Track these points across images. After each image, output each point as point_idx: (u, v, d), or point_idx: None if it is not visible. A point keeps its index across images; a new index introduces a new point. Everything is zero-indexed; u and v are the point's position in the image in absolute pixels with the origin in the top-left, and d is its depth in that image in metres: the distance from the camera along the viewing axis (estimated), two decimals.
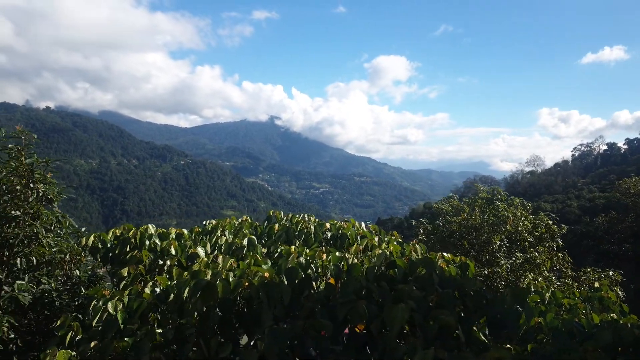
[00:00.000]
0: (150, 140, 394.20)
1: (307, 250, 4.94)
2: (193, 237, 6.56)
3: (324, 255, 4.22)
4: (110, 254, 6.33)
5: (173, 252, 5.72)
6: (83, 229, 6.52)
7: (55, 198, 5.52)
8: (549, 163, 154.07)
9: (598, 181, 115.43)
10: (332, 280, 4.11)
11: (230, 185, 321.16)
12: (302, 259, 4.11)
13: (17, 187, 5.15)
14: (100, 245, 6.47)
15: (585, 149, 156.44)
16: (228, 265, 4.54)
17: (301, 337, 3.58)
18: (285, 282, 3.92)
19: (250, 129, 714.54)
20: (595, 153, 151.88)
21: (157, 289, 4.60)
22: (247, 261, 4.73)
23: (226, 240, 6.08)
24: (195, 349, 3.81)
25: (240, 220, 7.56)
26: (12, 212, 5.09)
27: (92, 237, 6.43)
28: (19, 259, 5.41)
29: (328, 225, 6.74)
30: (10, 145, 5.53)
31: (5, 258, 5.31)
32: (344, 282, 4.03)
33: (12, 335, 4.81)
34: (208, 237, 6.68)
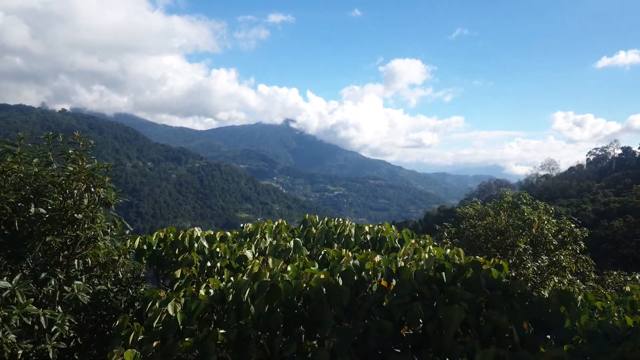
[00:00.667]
0: (165, 142, 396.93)
1: (351, 254, 5.14)
2: (236, 240, 6.78)
3: (376, 258, 4.41)
4: (156, 256, 6.58)
5: (222, 254, 5.94)
6: (127, 232, 6.76)
7: (113, 202, 5.78)
8: (563, 167, 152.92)
9: (613, 185, 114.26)
10: (384, 283, 4.29)
11: (244, 188, 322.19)
12: (356, 262, 4.30)
13: (75, 191, 5.41)
14: (145, 247, 6.72)
15: (600, 153, 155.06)
16: (279, 267, 4.74)
17: (364, 336, 3.78)
18: (341, 284, 4.12)
19: (265, 131, 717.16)
20: (610, 157, 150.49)
21: (210, 291, 4.82)
22: (296, 263, 4.93)
23: (270, 243, 6.30)
24: (255, 349, 4.02)
25: (276, 223, 7.77)
26: (75, 214, 5.35)
27: (137, 240, 6.68)
28: (76, 260, 5.68)
29: (367, 228, 6.93)
30: (70, 151, 5.80)
31: (63, 260, 5.58)
32: (396, 285, 4.21)
33: (72, 334, 5.06)
34: (249, 239, 6.89)
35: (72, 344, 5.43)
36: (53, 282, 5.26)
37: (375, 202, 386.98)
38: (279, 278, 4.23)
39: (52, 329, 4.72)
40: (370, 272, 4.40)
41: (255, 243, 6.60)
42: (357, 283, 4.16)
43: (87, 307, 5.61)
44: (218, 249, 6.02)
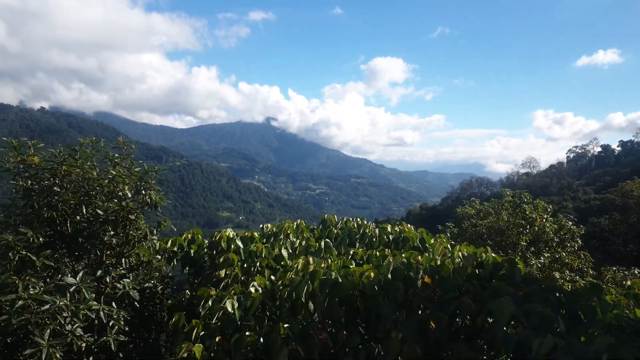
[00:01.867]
0: (146, 141, 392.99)
1: (390, 252, 5.44)
2: (264, 241, 7.01)
3: (419, 257, 4.70)
4: (189, 258, 6.81)
5: (260, 254, 6.18)
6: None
7: (160, 203, 6.00)
8: (543, 165, 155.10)
9: (593, 183, 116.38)
10: (427, 280, 4.58)
11: (226, 187, 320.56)
12: (404, 260, 4.58)
13: (128, 193, 5.63)
14: (175, 249, 6.94)
15: (580, 151, 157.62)
16: (323, 266, 5.01)
17: (423, 328, 4.07)
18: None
19: (246, 130, 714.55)
20: (589, 155, 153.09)
21: (259, 289, 5.07)
22: (335, 262, 5.20)
23: (300, 243, 6.56)
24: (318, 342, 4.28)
25: (295, 224, 7.99)
26: (130, 216, 5.58)
27: (170, 241, 6.90)
28: (124, 259, 5.89)
29: (389, 228, 7.22)
30: (116, 155, 6.00)
31: (112, 258, 5.78)
32: (440, 281, 4.52)
33: (127, 329, 5.26)
34: (273, 239, 7.13)
35: (127, 338, 5.65)
36: (108, 279, 5.48)
37: (357, 200, 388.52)
38: (332, 276, 4.50)
39: (111, 323, 4.96)
40: (414, 270, 4.68)
41: (281, 243, 6.83)
42: (406, 280, 4.45)
43: (136, 303, 5.85)
44: (258, 250, 6.24)
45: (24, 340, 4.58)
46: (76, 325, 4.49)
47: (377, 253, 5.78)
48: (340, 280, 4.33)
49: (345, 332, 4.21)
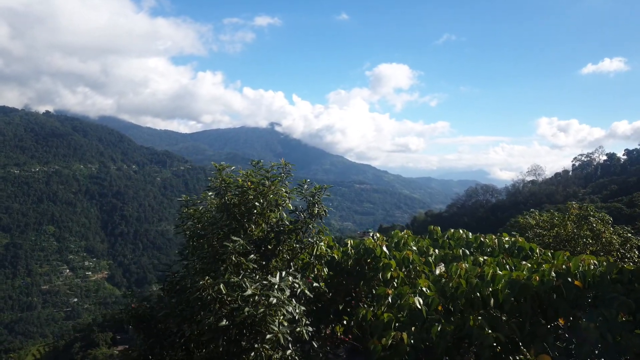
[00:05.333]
0: (150, 145, 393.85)
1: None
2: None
3: (570, 264, 5.62)
4: (331, 262, 7.74)
5: (412, 260, 7.12)
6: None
7: (325, 215, 6.98)
8: (548, 172, 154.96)
9: (599, 191, 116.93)
10: (577, 283, 5.50)
11: None
12: (564, 266, 5.52)
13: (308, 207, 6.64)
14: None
15: (586, 159, 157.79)
16: (477, 270, 5.96)
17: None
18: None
19: (250, 135, 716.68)
20: (595, 163, 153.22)
21: (424, 289, 6.01)
22: (488, 267, 6.12)
23: (435, 251, 7.51)
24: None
25: (402, 233, 8.89)
26: (310, 225, 6.57)
27: (322, 247, 7.76)
28: (292, 262, 6.85)
29: (506, 238, 8.15)
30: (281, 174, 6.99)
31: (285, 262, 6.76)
32: (591, 284, 5.44)
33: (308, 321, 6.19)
34: (402, 246, 8.03)
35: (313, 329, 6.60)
36: (291, 279, 6.43)
37: (361, 206, 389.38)
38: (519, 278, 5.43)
39: (297, 317, 5.91)
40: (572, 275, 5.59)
41: (408, 249, 7.73)
42: (565, 283, 5.38)
43: (308, 299, 6.81)
44: (409, 256, 7.16)
45: (255, 329, 5.51)
46: (285, 317, 5.42)
47: (505, 260, 6.74)
48: (524, 282, 5.27)
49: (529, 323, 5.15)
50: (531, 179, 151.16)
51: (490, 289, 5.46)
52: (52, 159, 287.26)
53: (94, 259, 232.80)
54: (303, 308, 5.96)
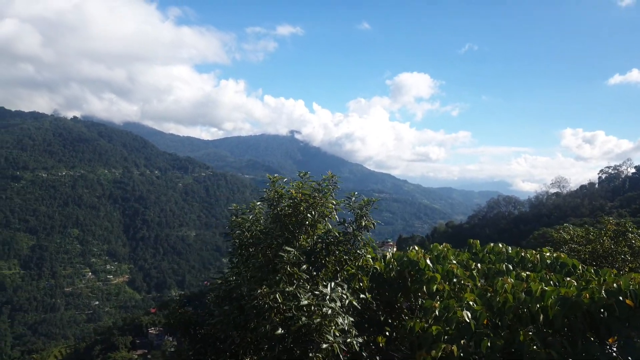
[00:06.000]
0: (172, 151, 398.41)
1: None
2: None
3: (620, 281, 5.67)
4: (374, 274, 7.90)
5: (457, 274, 7.25)
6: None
7: (373, 228, 7.19)
8: (572, 185, 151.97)
9: (627, 205, 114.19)
10: (629, 302, 5.53)
11: (249, 199, 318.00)
12: (614, 285, 5.58)
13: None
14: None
15: (613, 172, 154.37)
16: (523, 285, 6.05)
17: None
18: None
19: (270, 142, 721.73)
20: (623, 176, 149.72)
21: (470, 302, 6.12)
22: (533, 283, 6.20)
23: (476, 265, 7.61)
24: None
25: (441, 246, 8.99)
26: (358, 238, 6.77)
27: (369, 259, 7.92)
28: (339, 273, 7.05)
29: (547, 254, 8.21)
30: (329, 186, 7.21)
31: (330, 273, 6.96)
32: None
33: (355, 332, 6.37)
34: (437, 260, 8.15)
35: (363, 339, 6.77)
36: (340, 290, 6.62)
37: (380, 215, 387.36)
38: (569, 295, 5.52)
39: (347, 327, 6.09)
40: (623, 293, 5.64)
41: (448, 263, 7.84)
42: (618, 301, 5.45)
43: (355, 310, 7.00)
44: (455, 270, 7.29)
45: (308, 338, 5.71)
46: (338, 327, 5.61)
47: (548, 276, 6.82)
48: (574, 299, 5.36)
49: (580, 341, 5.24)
50: (555, 191, 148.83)
51: (539, 305, 5.55)
52: (78, 164, 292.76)
53: (115, 263, 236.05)
54: (351, 319, 6.13)
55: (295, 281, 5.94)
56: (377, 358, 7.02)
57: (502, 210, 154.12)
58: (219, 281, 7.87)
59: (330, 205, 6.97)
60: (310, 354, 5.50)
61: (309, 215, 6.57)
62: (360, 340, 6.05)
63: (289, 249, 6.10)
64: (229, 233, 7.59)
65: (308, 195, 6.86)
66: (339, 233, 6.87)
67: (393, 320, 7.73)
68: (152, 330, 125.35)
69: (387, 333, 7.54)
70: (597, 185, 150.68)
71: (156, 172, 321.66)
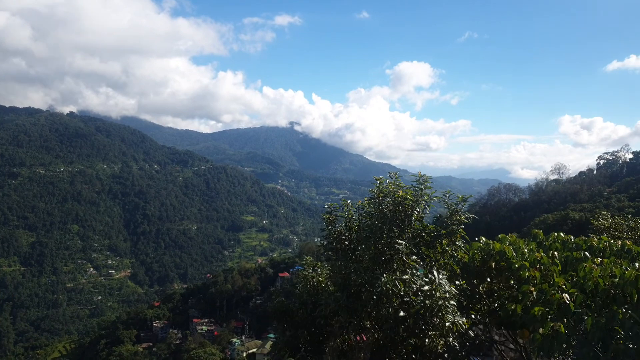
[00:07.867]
0: (171, 145, 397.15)
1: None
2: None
3: None
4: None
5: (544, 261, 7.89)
6: None
7: (467, 221, 7.88)
8: (571, 171, 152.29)
9: (625, 190, 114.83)
10: None
11: (250, 191, 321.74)
12: None
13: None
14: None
15: (611, 158, 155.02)
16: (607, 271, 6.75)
17: None
18: None
19: (270, 134, 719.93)
20: (620, 162, 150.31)
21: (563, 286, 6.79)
22: (615, 267, 6.86)
23: (553, 253, 8.26)
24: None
25: (509, 236, 9.58)
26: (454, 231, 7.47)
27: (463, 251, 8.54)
28: (435, 262, 7.75)
29: (612, 241, 8.85)
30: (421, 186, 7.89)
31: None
32: None
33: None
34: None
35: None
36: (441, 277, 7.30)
37: None
38: None
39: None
40: None
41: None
42: None
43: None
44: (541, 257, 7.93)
45: (428, 320, 6.39)
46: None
47: (620, 262, 7.49)
48: None
49: None
50: (554, 177, 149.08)
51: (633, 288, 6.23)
52: (76, 159, 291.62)
53: (117, 258, 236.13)
54: (454, 302, 6.80)
55: (408, 270, 6.62)
56: (482, 337, 7.71)
57: (502, 198, 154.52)
58: (304, 273, 8.56)
59: (424, 202, 7.64)
60: (430, 332, 6.19)
61: (414, 212, 7.26)
62: (464, 320, 6.73)
63: (400, 241, 6.77)
64: (325, 229, 8.27)
65: (411, 194, 7.54)
66: (439, 226, 7.56)
67: (474, 304, 8.39)
68: (156, 324, 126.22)
69: (473, 316, 8.20)
70: (595, 171, 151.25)
71: (155, 166, 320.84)
